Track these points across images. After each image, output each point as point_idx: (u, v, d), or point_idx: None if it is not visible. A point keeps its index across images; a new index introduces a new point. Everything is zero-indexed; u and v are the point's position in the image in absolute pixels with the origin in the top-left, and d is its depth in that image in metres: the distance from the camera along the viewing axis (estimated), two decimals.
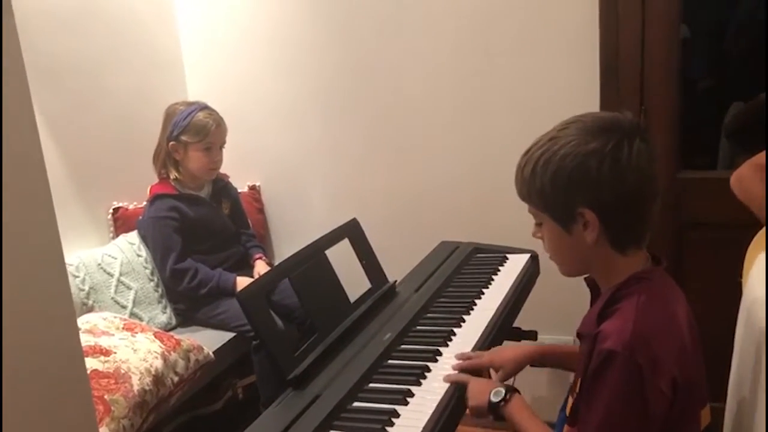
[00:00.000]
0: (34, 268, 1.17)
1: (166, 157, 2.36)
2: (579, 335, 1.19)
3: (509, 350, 1.50)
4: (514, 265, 2.03)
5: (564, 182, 1.10)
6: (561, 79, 2.32)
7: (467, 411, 1.35)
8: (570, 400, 1.18)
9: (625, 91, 2.21)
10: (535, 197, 1.16)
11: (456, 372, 1.40)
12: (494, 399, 1.28)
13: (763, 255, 1.40)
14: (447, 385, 1.36)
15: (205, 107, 2.36)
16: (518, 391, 1.30)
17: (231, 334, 2.31)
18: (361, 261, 1.80)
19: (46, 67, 2.24)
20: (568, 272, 1.22)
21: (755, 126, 2.22)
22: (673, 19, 2.16)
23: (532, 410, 1.27)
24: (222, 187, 2.53)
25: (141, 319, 2.24)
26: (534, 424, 1.24)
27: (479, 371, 1.43)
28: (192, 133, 2.31)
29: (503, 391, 1.28)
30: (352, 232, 1.81)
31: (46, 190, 1.21)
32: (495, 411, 1.28)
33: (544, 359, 1.51)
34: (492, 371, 1.48)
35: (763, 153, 1.61)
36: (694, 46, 2.32)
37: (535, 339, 2.00)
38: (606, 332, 1.06)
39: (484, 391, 1.30)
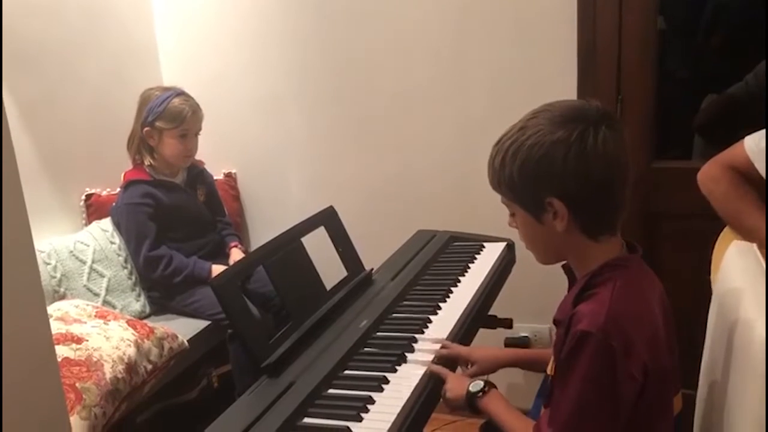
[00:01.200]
0: (3, 255, 1.14)
1: (140, 143, 2.33)
2: (555, 322, 1.19)
3: (489, 350, 1.53)
4: (491, 253, 2.03)
5: (531, 172, 1.11)
6: (538, 68, 2.32)
7: (442, 402, 1.36)
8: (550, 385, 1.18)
9: (602, 80, 2.22)
10: (505, 187, 1.17)
11: (436, 363, 1.40)
12: (473, 389, 1.29)
13: (732, 248, 1.41)
14: (422, 372, 1.37)
15: (181, 93, 2.33)
16: (495, 386, 1.31)
17: (206, 323, 2.29)
18: (337, 249, 1.79)
19: (18, 51, 2.19)
20: (544, 260, 1.23)
21: (722, 120, 2.25)
22: (651, 9, 2.17)
23: (508, 402, 1.28)
24: (197, 173, 2.50)
25: (114, 307, 2.22)
26: (511, 414, 1.25)
27: (454, 363, 1.45)
28: (167, 119, 2.28)
29: (482, 384, 1.30)
30: (328, 219, 1.80)
31: (15, 175, 1.19)
32: (472, 402, 1.29)
33: (521, 363, 1.54)
34: (461, 367, 1.49)
35: (729, 150, 1.63)
36: (670, 38, 2.33)
37: (511, 327, 2.01)
38: (581, 314, 1.07)
39: (463, 384, 1.32)
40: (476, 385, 1.30)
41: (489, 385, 1.30)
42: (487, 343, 2.39)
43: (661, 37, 2.24)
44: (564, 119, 1.09)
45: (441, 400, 1.35)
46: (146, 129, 2.29)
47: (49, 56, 2.32)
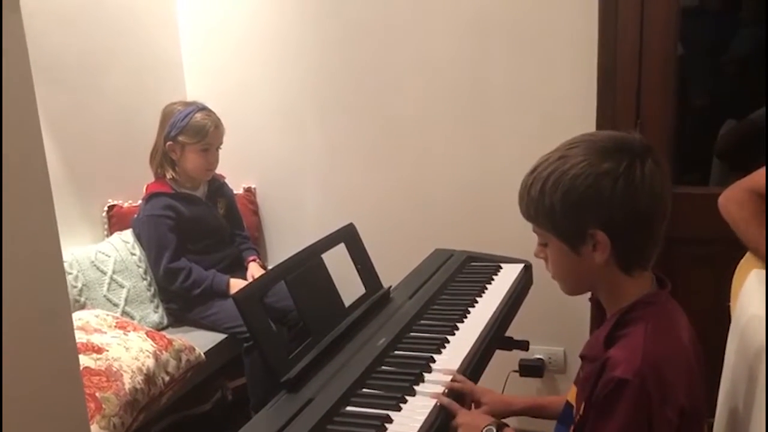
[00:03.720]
0: (32, 264, 1.17)
1: (162, 157, 2.36)
2: (582, 357, 1.18)
3: (500, 395, 1.50)
4: (508, 274, 2.04)
5: (575, 202, 1.09)
6: (558, 91, 2.34)
7: None
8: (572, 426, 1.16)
9: (621, 104, 2.24)
10: (543, 217, 1.14)
11: (446, 396, 1.37)
12: None
13: (752, 275, 1.41)
14: (440, 392, 1.37)
15: (203, 108, 2.36)
16: (507, 425, 1.29)
17: (222, 335, 2.30)
18: (356, 266, 1.81)
19: (44, 64, 2.23)
20: (571, 291, 1.22)
21: (744, 146, 2.25)
22: (671, 34, 2.18)
23: None
24: (218, 187, 2.53)
25: (133, 318, 2.24)
26: None
27: (464, 399, 1.41)
28: (190, 134, 2.31)
29: (494, 430, 1.26)
30: (348, 236, 1.82)
31: (47, 188, 1.22)
32: None
33: (534, 412, 1.48)
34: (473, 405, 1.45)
35: (754, 176, 1.63)
36: (688, 63, 2.35)
37: (527, 349, 2.01)
38: (615, 359, 1.05)
39: (476, 426, 1.28)
40: (489, 431, 1.26)
41: (501, 427, 1.27)
42: (503, 364, 2.42)
43: (680, 62, 2.26)
44: (608, 150, 1.09)
45: None
46: (169, 143, 2.33)
47: (74, 68, 2.36)
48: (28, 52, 2.12)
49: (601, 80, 2.24)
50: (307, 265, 1.60)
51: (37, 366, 1.18)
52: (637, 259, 1.13)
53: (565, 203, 1.10)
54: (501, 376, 2.45)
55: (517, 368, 2.52)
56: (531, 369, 2.52)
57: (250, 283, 1.53)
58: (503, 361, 2.30)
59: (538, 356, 2.54)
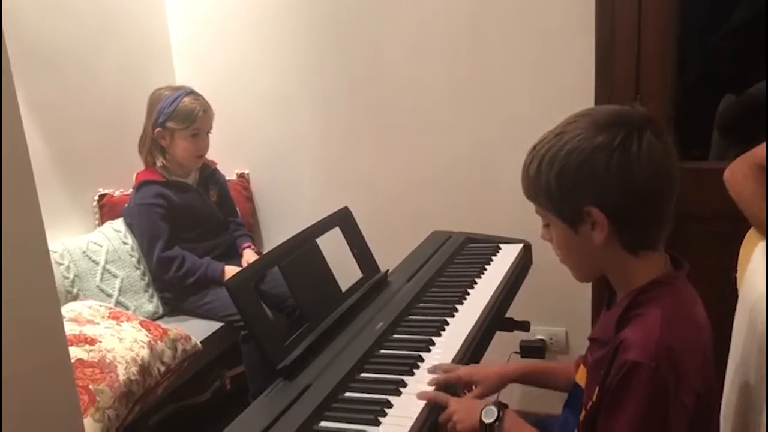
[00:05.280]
0: (17, 256, 1.13)
1: (151, 144, 2.31)
2: (592, 340, 1.14)
3: (491, 367, 1.40)
4: (507, 255, 2.01)
5: (570, 180, 1.04)
6: (555, 66, 2.30)
7: None
8: (583, 412, 1.11)
9: (621, 79, 2.19)
10: (542, 196, 1.10)
11: (432, 389, 1.29)
12: (487, 419, 1.19)
13: (758, 250, 1.38)
14: (428, 389, 1.30)
15: (191, 92, 2.31)
16: (506, 405, 1.22)
17: (219, 324, 2.27)
18: (352, 250, 1.77)
19: (31, 49, 2.19)
20: (580, 276, 1.16)
21: (745, 120, 2.21)
22: (670, 8, 2.14)
23: (528, 425, 1.20)
24: (209, 174, 2.49)
25: (127, 308, 2.20)
26: None
27: (455, 388, 1.33)
28: (178, 119, 2.26)
29: (495, 410, 1.19)
30: (343, 220, 1.78)
31: (29, 178, 1.17)
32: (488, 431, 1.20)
33: (526, 378, 1.41)
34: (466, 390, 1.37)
35: (759, 149, 1.59)
36: (687, 38, 2.30)
37: (528, 330, 1.99)
38: (629, 342, 1.00)
39: (472, 411, 1.21)
40: (489, 412, 1.19)
41: (502, 408, 1.20)
42: (504, 345, 2.39)
43: (679, 36, 2.21)
44: (605, 124, 1.03)
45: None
46: (157, 130, 2.28)
47: (62, 55, 2.30)
48: (14, 36, 2.08)
49: (599, 55, 2.20)
50: (301, 250, 1.56)
51: (26, 360, 1.15)
52: (642, 239, 1.07)
53: (560, 181, 1.05)
54: (502, 357, 2.42)
55: (518, 349, 2.48)
56: (532, 350, 2.49)
57: (243, 269, 1.49)
58: (504, 342, 2.27)
59: (540, 337, 2.52)
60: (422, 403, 1.24)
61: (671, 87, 2.19)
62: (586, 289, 2.37)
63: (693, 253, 2.15)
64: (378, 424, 1.20)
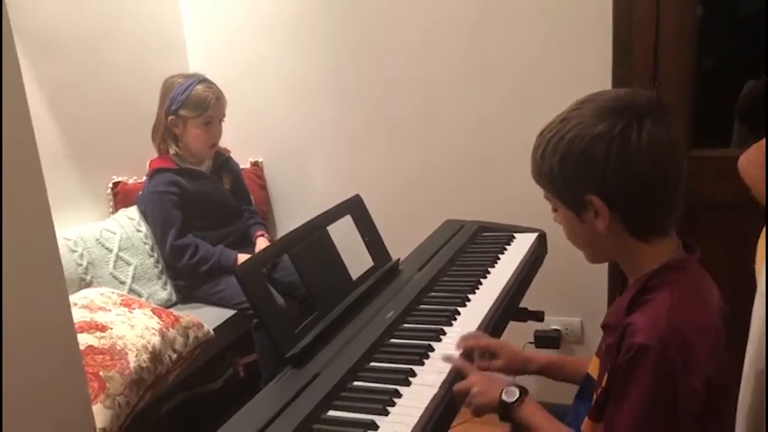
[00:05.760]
0: (25, 245, 1.13)
1: (164, 132, 2.31)
2: (604, 327, 1.13)
3: (521, 352, 1.43)
4: (521, 244, 1.98)
5: (571, 167, 1.04)
6: (570, 52, 2.26)
7: (466, 405, 1.25)
8: (595, 395, 1.11)
9: (638, 64, 2.15)
10: (546, 182, 1.10)
11: (459, 357, 1.32)
12: (507, 399, 1.19)
13: None
14: (450, 365, 1.32)
15: (203, 80, 2.30)
16: (527, 390, 1.21)
17: (232, 312, 2.27)
18: (363, 238, 1.75)
19: (46, 37, 2.19)
20: (592, 260, 1.17)
21: (763, 107, 2.16)
22: None
23: (547, 412, 1.19)
24: (223, 162, 2.48)
25: (140, 296, 2.21)
26: (552, 426, 1.16)
27: (471, 354, 1.35)
28: (191, 107, 2.26)
29: (517, 391, 1.19)
30: (354, 208, 1.76)
31: (36, 164, 1.17)
32: (505, 411, 1.19)
33: (548, 370, 1.41)
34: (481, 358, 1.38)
35: None
36: (709, 21, 2.24)
37: (542, 320, 1.96)
38: (637, 325, 1.00)
39: (493, 387, 1.21)
40: (511, 393, 1.19)
41: (523, 393, 1.19)
42: (517, 336, 2.37)
43: (699, 22, 2.16)
44: (608, 111, 1.02)
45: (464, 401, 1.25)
46: (170, 118, 2.28)
47: (76, 43, 2.30)
48: (29, 25, 2.08)
49: (616, 38, 2.16)
50: (311, 238, 1.55)
51: (34, 348, 1.15)
52: (649, 226, 1.06)
53: (562, 168, 1.05)
54: (517, 347, 2.40)
55: (532, 339, 2.47)
56: (547, 340, 2.47)
57: (252, 256, 1.48)
58: (518, 332, 2.25)
59: (555, 327, 2.49)
60: (431, 394, 1.22)
61: (690, 72, 2.14)
62: (602, 278, 2.34)
63: (712, 241, 2.13)
64: (386, 413, 1.18)
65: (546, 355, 1.47)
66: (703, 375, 0.98)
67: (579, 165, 1.03)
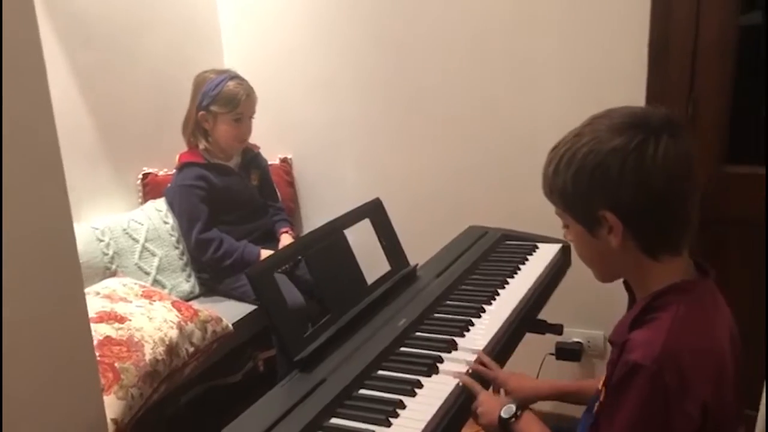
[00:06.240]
0: (42, 236, 1.15)
1: (195, 127, 2.33)
2: (611, 342, 1.11)
3: (529, 380, 1.45)
4: (544, 254, 1.95)
5: (585, 183, 1.03)
6: (606, 60, 2.21)
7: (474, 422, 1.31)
8: (596, 406, 1.11)
9: (674, 76, 2.09)
10: (558, 197, 1.09)
11: (469, 376, 1.33)
12: (504, 415, 1.24)
13: None
14: (463, 371, 1.33)
15: (235, 76, 2.32)
16: (527, 407, 1.26)
17: (253, 307, 2.28)
18: (381, 242, 1.75)
19: (82, 27, 2.23)
20: (601, 278, 1.15)
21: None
22: (732, 1, 2.02)
23: (543, 425, 1.22)
24: (252, 158, 2.50)
25: (164, 287, 2.24)
26: None
27: (488, 383, 1.38)
28: (222, 103, 2.28)
29: (514, 408, 1.24)
30: (373, 212, 1.76)
31: (57, 158, 1.19)
32: (505, 428, 1.23)
33: (561, 398, 1.45)
34: (502, 392, 1.42)
35: None
36: (749, 34, 2.17)
37: (561, 333, 1.93)
38: (634, 342, 0.98)
39: (495, 408, 1.26)
40: (508, 410, 1.24)
41: (521, 409, 1.24)
42: (539, 348, 2.34)
43: (758, 32, 2.09)
44: (623, 126, 1.01)
45: (470, 418, 1.30)
46: (201, 113, 2.30)
47: (112, 33, 2.33)
48: (65, 15, 2.11)
49: (652, 49, 2.10)
50: (327, 241, 1.55)
51: (48, 337, 1.17)
52: (661, 243, 1.04)
53: (575, 183, 1.04)
54: (536, 359, 2.38)
55: (553, 351, 2.43)
56: (568, 352, 2.43)
57: (266, 258, 1.49)
58: (539, 343, 2.22)
59: (576, 339, 2.45)
60: (435, 408, 1.22)
61: (729, 86, 2.07)
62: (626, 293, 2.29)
63: (742, 260, 2.08)
64: (389, 425, 1.18)
65: (553, 383, 1.47)
66: (698, 401, 0.96)
67: (593, 179, 1.02)
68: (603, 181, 1.01)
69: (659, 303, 1.02)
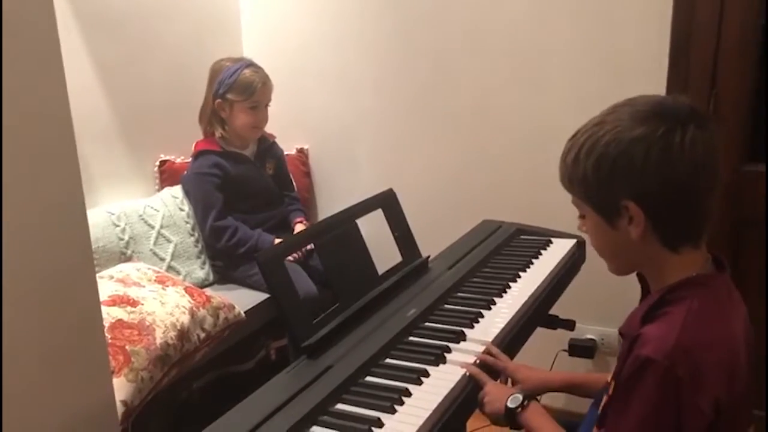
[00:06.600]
0: (54, 219, 1.16)
1: (211, 115, 2.34)
2: (621, 333, 1.10)
3: (538, 371, 1.43)
4: (558, 249, 1.94)
5: (607, 171, 1.00)
6: (624, 56, 2.18)
7: (480, 412, 1.29)
8: (604, 398, 1.10)
9: (696, 71, 2.06)
10: (578, 187, 1.07)
11: (476, 366, 1.32)
12: (511, 405, 1.22)
13: None
14: (471, 362, 1.32)
15: (251, 64, 2.33)
16: (535, 398, 1.24)
17: (266, 295, 2.29)
18: (394, 233, 1.74)
19: (102, 15, 2.25)
20: (616, 270, 1.13)
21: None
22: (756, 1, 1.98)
23: (549, 415, 1.21)
24: (268, 147, 2.51)
25: (178, 273, 2.26)
26: (552, 429, 1.17)
27: (497, 373, 1.36)
28: (238, 91, 2.29)
29: (520, 398, 1.22)
30: (386, 202, 1.75)
31: (71, 143, 1.20)
32: (511, 417, 1.22)
33: (568, 389, 1.42)
34: (510, 382, 1.40)
35: None
36: None
37: (572, 329, 1.91)
38: (647, 337, 0.96)
39: (501, 398, 1.24)
40: (514, 399, 1.22)
41: (528, 399, 1.22)
42: (552, 343, 2.32)
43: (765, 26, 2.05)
44: (647, 115, 0.99)
45: (476, 409, 1.29)
46: (217, 101, 2.31)
47: (131, 21, 2.35)
48: (87, 3, 2.13)
49: (674, 44, 2.07)
50: (339, 230, 1.55)
51: (58, 318, 1.19)
52: (682, 235, 1.02)
53: (597, 172, 1.01)
54: (550, 355, 2.36)
55: (566, 347, 2.41)
56: (581, 349, 2.41)
57: (276, 244, 1.49)
58: (553, 339, 2.20)
59: (590, 336, 2.43)
60: (441, 396, 1.21)
61: (752, 82, 2.04)
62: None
63: (763, 260, 2.04)
64: (393, 412, 1.17)
65: (563, 374, 1.46)
66: (711, 397, 0.94)
67: (615, 168, 1.00)
68: (626, 170, 0.99)
69: (673, 296, 1.01)
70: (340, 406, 1.20)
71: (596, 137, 1.01)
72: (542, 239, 2.00)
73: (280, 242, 1.51)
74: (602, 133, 1.01)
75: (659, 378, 0.93)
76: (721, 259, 1.08)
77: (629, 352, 0.99)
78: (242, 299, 2.20)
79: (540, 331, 1.69)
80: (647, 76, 2.13)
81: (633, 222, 1.01)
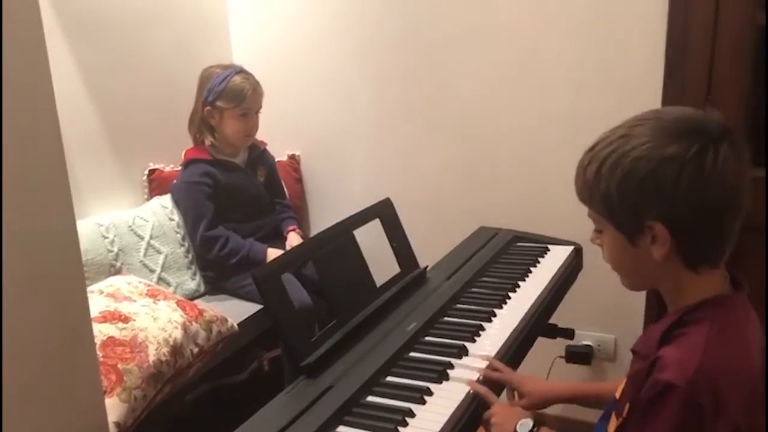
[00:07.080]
0: (44, 234, 1.12)
1: (201, 123, 2.30)
2: (634, 352, 1.07)
3: (544, 383, 1.41)
4: (556, 257, 1.92)
5: (634, 190, 0.95)
6: (621, 63, 2.16)
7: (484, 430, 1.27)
8: (614, 419, 1.07)
9: (691, 78, 2.04)
10: (598, 202, 1.01)
11: (481, 383, 1.29)
12: (520, 431, 1.18)
13: None
14: (475, 379, 1.29)
15: (240, 71, 2.28)
16: (544, 423, 1.20)
17: (258, 306, 2.25)
18: (391, 243, 1.71)
19: (88, 20, 2.19)
20: (632, 286, 1.09)
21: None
22: (751, 2, 1.97)
23: None
24: (258, 154, 2.47)
25: (169, 284, 2.21)
26: None
27: (501, 387, 1.34)
28: (228, 98, 2.24)
29: (531, 423, 1.18)
30: (384, 212, 1.72)
31: (60, 155, 1.15)
32: None
33: (580, 401, 1.40)
34: (516, 396, 1.38)
35: None
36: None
37: (572, 338, 1.90)
38: (667, 360, 0.93)
39: (510, 420, 1.20)
40: (524, 425, 1.18)
41: (538, 425, 1.19)
42: (549, 350, 2.30)
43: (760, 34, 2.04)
44: (678, 131, 0.94)
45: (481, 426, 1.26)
46: (207, 108, 2.27)
47: (118, 27, 2.30)
48: (73, 11, 2.08)
49: (669, 51, 2.06)
50: (336, 243, 1.51)
51: (49, 338, 1.15)
52: (705, 256, 0.99)
53: (623, 190, 0.96)
54: (546, 361, 2.34)
55: (563, 354, 2.39)
56: (578, 356, 2.39)
57: (273, 260, 1.45)
58: (549, 346, 2.17)
59: (587, 343, 2.41)
60: (445, 417, 1.18)
61: (747, 89, 2.02)
62: (640, 297, 2.25)
63: (763, 266, 2.03)
64: None
65: (569, 384, 1.43)
66: (732, 426, 0.91)
67: (643, 188, 0.95)
68: (655, 191, 0.94)
69: (693, 317, 0.98)
70: (342, 429, 1.17)
71: (622, 152, 0.96)
72: (539, 246, 1.98)
73: (278, 257, 1.48)
74: (629, 148, 0.96)
75: (681, 404, 0.90)
76: (737, 278, 1.04)
77: (648, 374, 0.95)
78: (234, 310, 2.15)
79: (537, 339, 1.67)
80: (643, 82, 2.11)
81: (657, 242, 0.97)
